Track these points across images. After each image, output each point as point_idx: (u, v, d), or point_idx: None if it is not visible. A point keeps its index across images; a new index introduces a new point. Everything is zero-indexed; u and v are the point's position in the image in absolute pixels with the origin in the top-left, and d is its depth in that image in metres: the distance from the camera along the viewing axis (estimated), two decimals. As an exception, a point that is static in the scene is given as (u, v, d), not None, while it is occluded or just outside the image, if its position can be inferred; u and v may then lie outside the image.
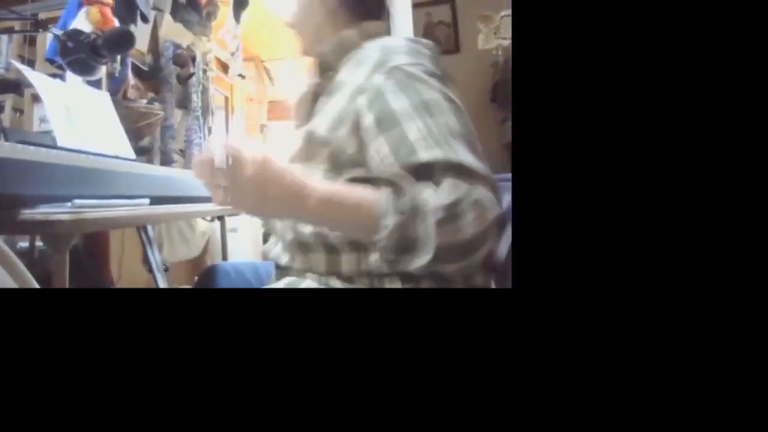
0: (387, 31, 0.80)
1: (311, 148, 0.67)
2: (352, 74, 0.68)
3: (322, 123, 0.68)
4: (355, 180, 0.61)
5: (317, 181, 0.58)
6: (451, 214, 0.53)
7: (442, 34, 2.48)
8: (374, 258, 0.58)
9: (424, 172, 0.56)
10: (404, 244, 0.54)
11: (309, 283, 0.68)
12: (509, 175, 0.81)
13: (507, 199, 0.89)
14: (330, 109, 0.68)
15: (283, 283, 0.70)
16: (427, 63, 0.66)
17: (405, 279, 0.63)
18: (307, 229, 0.67)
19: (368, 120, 0.62)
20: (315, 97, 0.76)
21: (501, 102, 2.25)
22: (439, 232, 0.53)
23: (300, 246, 0.69)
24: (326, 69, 0.75)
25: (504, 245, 0.83)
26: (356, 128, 0.64)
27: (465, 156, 0.57)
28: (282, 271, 0.75)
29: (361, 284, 0.65)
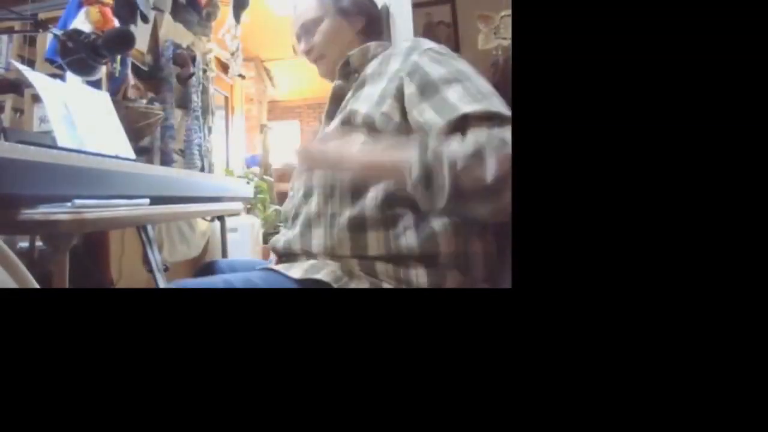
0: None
1: (346, 131, 0.74)
2: (384, 65, 0.77)
3: (363, 105, 0.74)
4: (390, 145, 0.67)
5: (354, 153, 0.67)
6: (477, 158, 0.58)
7: (442, 34, 2.47)
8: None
9: (466, 124, 0.62)
10: (433, 188, 0.60)
11: (329, 271, 0.69)
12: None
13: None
14: (369, 94, 0.75)
15: (306, 266, 0.71)
16: (449, 51, 0.75)
17: (427, 264, 0.68)
18: (342, 213, 0.72)
19: (411, 89, 0.70)
20: (339, 99, 0.83)
21: (501, 102, 2.25)
22: (462, 176, 0.58)
23: (329, 227, 0.73)
24: (351, 72, 0.84)
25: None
26: (400, 98, 0.71)
27: (500, 107, 0.63)
28: (293, 257, 0.78)
29: (381, 269, 0.69)
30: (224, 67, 3.03)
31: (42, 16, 1.11)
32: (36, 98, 1.45)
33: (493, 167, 0.57)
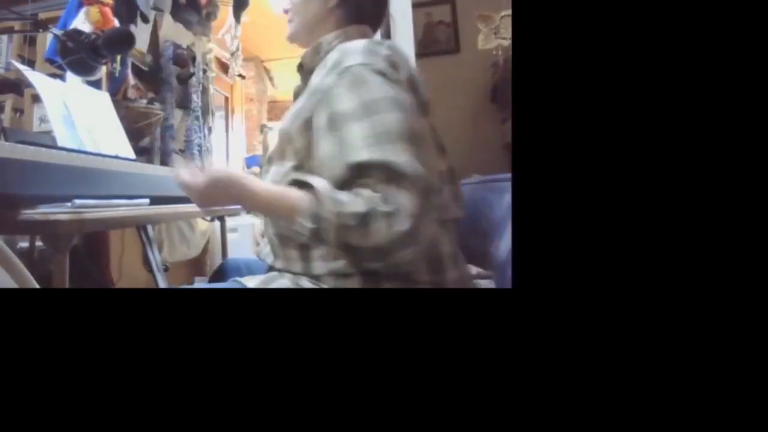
0: (373, 35, 0.82)
1: (281, 146, 0.73)
2: (316, 76, 0.72)
3: (285, 120, 0.74)
4: (295, 182, 0.68)
5: (258, 187, 0.66)
6: (360, 222, 0.58)
7: (442, 34, 2.48)
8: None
9: (362, 171, 0.61)
10: (322, 241, 0.63)
11: (284, 282, 0.70)
12: (509, 175, 0.81)
13: (507, 198, 0.89)
14: (293, 108, 0.74)
15: (257, 281, 0.72)
16: (379, 62, 0.67)
17: (367, 278, 0.66)
18: (282, 228, 0.71)
19: (318, 120, 0.67)
20: (296, 99, 0.81)
21: (501, 102, 2.25)
22: (346, 235, 0.60)
23: (279, 241, 0.73)
24: (307, 72, 0.79)
25: (504, 245, 0.83)
26: (308, 126, 0.68)
27: (398, 156, 0.60)
28: (270, 269, 0.78)
29: (327, 284, 0.67)
30: (224, 67, 3.03)
31: (42, 16, 1.11)
32: (36, 98, 1.45)
33: (374, 236, 0.58)
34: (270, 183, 0.72)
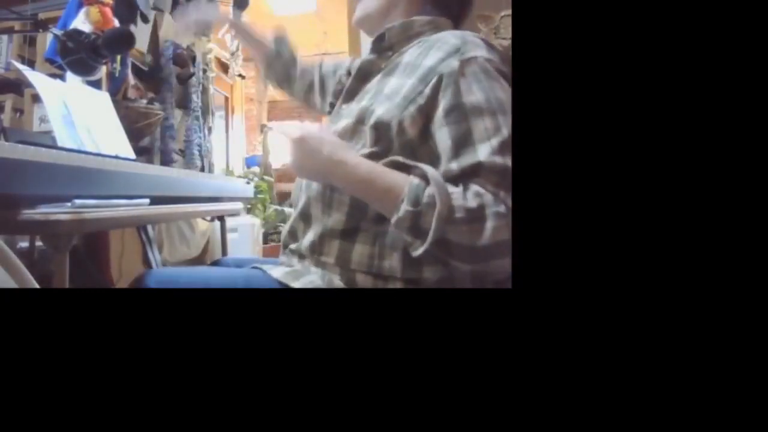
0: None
1: (359, 129, 0.66)
2: (423, 57, 0.65)
3: (383, 104, 0.65)
4: (394, 163, 0.61)
5: (358, 160, 0.61)
6: (469, 217, 0.54)
7: (442, 34, 2.47)
8: (391, 230, 0.60)
9: (479, 170, 0.57)
10: (415, 230, 0.57)
11: (309, 277, 0.66)
12: (509, 175, 0.81)
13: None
14: (394, 90, 0.66)
15: (287, 270, 0.69)
16: (499, 60, 0.64)
17: (409, 284, 0.63)
18: (332, 219, 0.66)
19: (438, 107, 0.61)
20: (366, 75, 0.73)
21: (501, 102, 2.24)
22: (449, 228, 0.54)
23: (319, 230, 0.68)
24: (386, 48, 0.72)
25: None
26: (424, 112, 0.62)
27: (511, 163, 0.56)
28: (285, 248, 0.75)
29: (364, 285, 0.65)
30: (224, 67, 3.03)
31: (42, 16, 1.11)
32: (36, 98, 1.45)
33: (479, 235, 0.54)
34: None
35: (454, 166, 0.59)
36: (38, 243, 1.29)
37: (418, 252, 0.57)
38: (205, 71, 2.42)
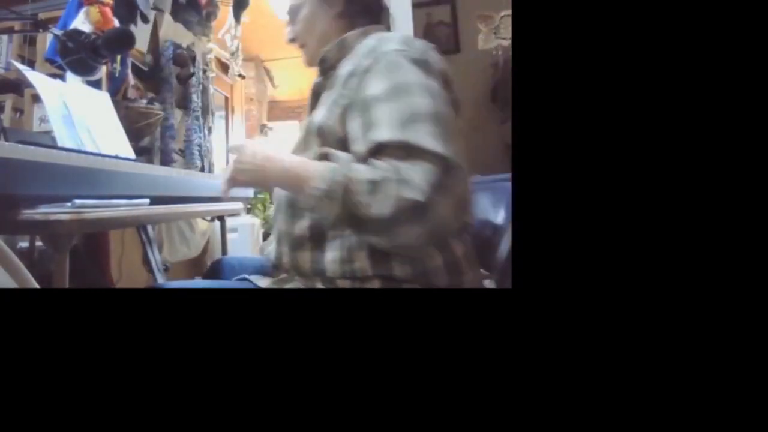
0: (388, 31, 0.82)
1: (308, 139, 0.73)
2: (348, 65, 0.72)
3: (319, 113, 0.72)
4: (321, 155, 0.67)
5: (282, 157, 0.67)
6: (371, 188, 0.58)
7: (442, 34, 2.48)
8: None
9: (380, 150, 0.61)
10: (329, 206, 0.61)
11: (295, 284, 0.70)
12: (509, 175, 0.81)
13: (507, 199, 0.89)
14: (328, 99, 0.73)
15: (274, 280, 0.73)
16: (414, 51, 0.68)
17: (386, 282, 0.65)
18: (297, 227, 0.71)
19: (351, 104, 0.67)
20: (317, 95, 0.80)
21: (501, 102, 2.25)
22: (354, 203, 0.58)
23: (289, 243, 0.72)
24: (328, 68, 0.78)
25: (504, 245, 0.83)
26: (345, 111, 0.68)
27: (419, 137, 0.59)
28: (275, 268, 0.78)
29: (344, 286, 0.67)
30: (224, 67, 3.03)
31: (42, 16, 1.11)
32: (36, 98, 1.45)
33: (382, 204, 0.56)
34: None
35: (362, 148, 0.63)
36: (38, 243, 1.29)
37: (330, 224, 0.63)
38: (205, 71, 2.42)
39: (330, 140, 0.69)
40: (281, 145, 0.78)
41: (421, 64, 0.67)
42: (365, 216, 0.58)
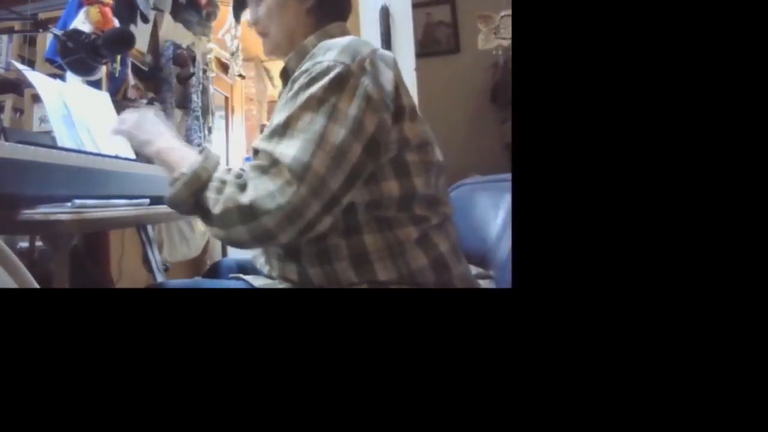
0: (348, 31, 0.78)
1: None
2: (297, 73, 0.71)
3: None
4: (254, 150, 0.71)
5: (167, 136, 0.73)
6: (217, 187, 0.62)
7: (442, 34, 2.48)
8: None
9: (256, 155, 0.64)
10: (184, 192, 0.65)
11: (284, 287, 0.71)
12: (509, 175, 0.81)
13: (507, 199, 0.89)
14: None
15: (267, 281, 0.74)
16: (348, 61, 0.64)
17: (374, 287, 0.66)
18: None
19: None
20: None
21: (501, 102, 2.25)
22: (204, 195, 0.63)
23: (275, 255, 0.73)
24: (289, 77, 0.76)
25: (504, 245, 0.83)
26: None
27: (285, 150, 0.60)
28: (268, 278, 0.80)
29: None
30: (224, 67, 3.03)
31: (42, 16, 1.11)
32: (36, 98, 1.45)
33: (217, 202, 0.61)
34: None
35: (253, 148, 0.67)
36: (38, 243, 1.29)
37: (184, 211, 0.66)
38: (205, 71, 2.41)
39: None
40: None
41: (349, 77, 0.63)
42: (206, 208, 0.62)
